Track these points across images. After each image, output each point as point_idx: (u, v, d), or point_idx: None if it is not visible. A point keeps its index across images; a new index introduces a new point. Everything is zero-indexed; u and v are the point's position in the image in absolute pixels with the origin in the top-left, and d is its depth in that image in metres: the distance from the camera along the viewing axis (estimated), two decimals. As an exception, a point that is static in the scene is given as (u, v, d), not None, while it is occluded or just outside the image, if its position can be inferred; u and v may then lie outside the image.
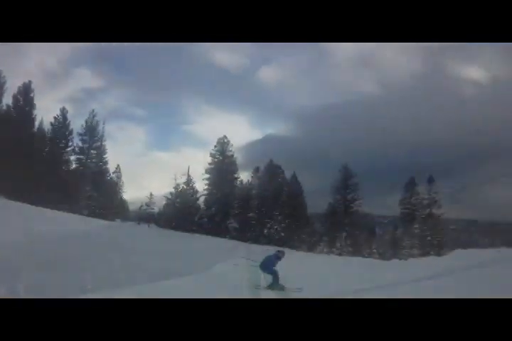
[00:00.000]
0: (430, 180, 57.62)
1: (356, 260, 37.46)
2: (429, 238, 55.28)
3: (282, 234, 53.81)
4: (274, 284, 13.99)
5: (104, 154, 57.56)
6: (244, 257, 18.29)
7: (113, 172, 62.15)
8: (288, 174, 60.03)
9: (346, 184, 56.63)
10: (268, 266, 14.46)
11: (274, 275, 14.17)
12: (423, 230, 55.45)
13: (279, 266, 14.63)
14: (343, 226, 54.46)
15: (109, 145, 60.79)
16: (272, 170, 58.76)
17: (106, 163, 57.98)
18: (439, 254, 49.12)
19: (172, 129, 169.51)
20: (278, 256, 14.98)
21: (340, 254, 48.85)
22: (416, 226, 55.95)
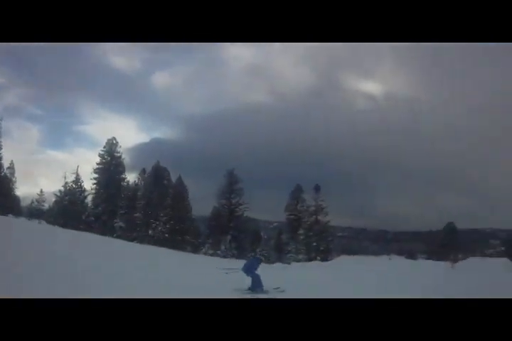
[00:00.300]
0: (317, 188, 58.98)
1: (240, 262, 36.86)
2: (314, 244, 56.35)
3: (166, 235, 54.06)
4: (255, 286, 14.16)
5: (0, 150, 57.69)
6: (218, 267, 17.49)
7: (7, 168, 62.46)
8: (174, 177, 60.94)
9: (232, 189, 57.51)
10: (250, 269, 14.59)
11: (256, 278, 14.33)
12: (309, 236, 56.52)
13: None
14: (228, 230, 54.90)
15: (4, 142, 60.86)
16: (159, 173, 59.65)
17: (0, 158, 58.59)
18: (324, 260, 50.35)
19: (66, 129, 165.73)
20: (260, 260, 15.45)
21: (224, 257, 49.03)
22: (301, 232, 56.97)
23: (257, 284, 14.19)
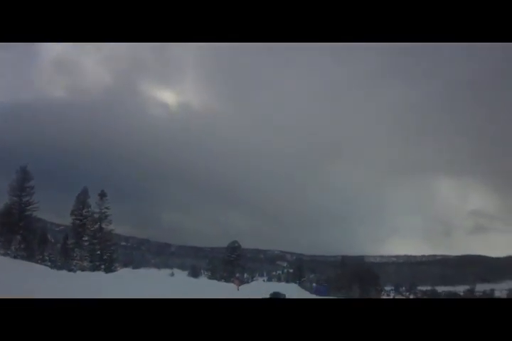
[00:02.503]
0: (102, 195, 56.46)
1: (30, 265, 35.51)
2: (98, 252, 54.59)
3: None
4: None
5: None
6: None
7: None
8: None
9: (23, 186, 52.92)
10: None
11: None
12: (93, 243, 54.59)
13: None
14: (18, 229, 50.80)
15: None
16: None
17: None
18: (107, 270, 49.14)
19: None
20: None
21: (15, 257, 45.04)
22: (85, 238, 54.92)
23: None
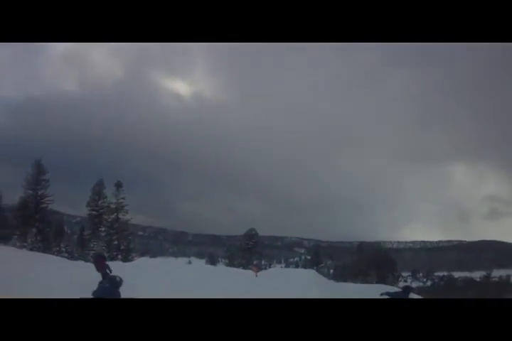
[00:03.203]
0: (118, 185, 56.60)
1: (47, 257, 34.95)
2: (116, 242, 54.75)
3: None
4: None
5: None
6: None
7: None
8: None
9: (38, 179, 53.10)
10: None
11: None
12: (110, 234, 54.85)
13: None
14: (34, 222, 51.29)
15: None
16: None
17: None
18: (125, 260, 49.10)
19: None
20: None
21: (32, 250, 45.47)
22: (102, 229, 55.13)
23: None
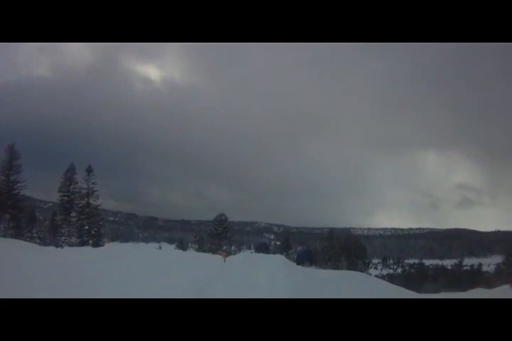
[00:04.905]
0: (89, 170, 56.24)
1: (17, 243, 35.56)
2: (86, 227, 54.84)
3: None
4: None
5: None
6: None
7: None
8: None
9: (11, 165, 52.53)
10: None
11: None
12: (81, 219, 54.72)
13: None
14: (7, 208, 51.14)
15: None
16: None
17: None
18: (96, 245, 49.26)
19: None
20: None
21: (4, 236, 45.63)
22: (73, 214, 54.89)
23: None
